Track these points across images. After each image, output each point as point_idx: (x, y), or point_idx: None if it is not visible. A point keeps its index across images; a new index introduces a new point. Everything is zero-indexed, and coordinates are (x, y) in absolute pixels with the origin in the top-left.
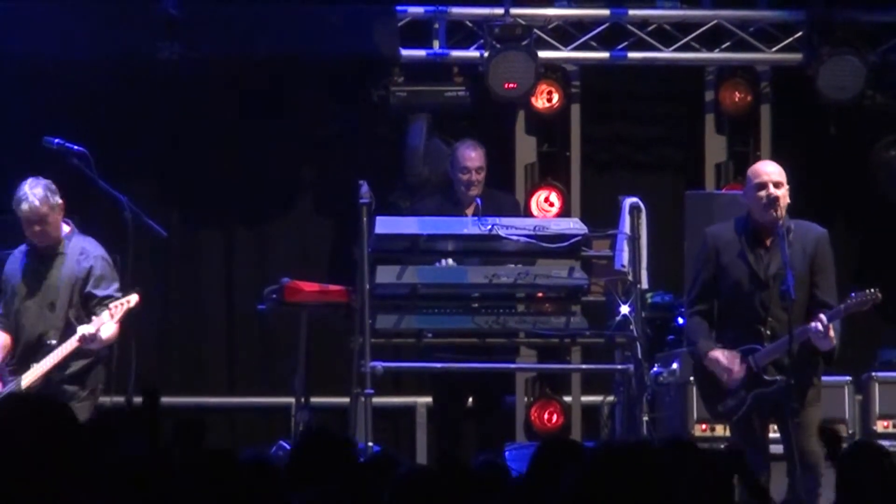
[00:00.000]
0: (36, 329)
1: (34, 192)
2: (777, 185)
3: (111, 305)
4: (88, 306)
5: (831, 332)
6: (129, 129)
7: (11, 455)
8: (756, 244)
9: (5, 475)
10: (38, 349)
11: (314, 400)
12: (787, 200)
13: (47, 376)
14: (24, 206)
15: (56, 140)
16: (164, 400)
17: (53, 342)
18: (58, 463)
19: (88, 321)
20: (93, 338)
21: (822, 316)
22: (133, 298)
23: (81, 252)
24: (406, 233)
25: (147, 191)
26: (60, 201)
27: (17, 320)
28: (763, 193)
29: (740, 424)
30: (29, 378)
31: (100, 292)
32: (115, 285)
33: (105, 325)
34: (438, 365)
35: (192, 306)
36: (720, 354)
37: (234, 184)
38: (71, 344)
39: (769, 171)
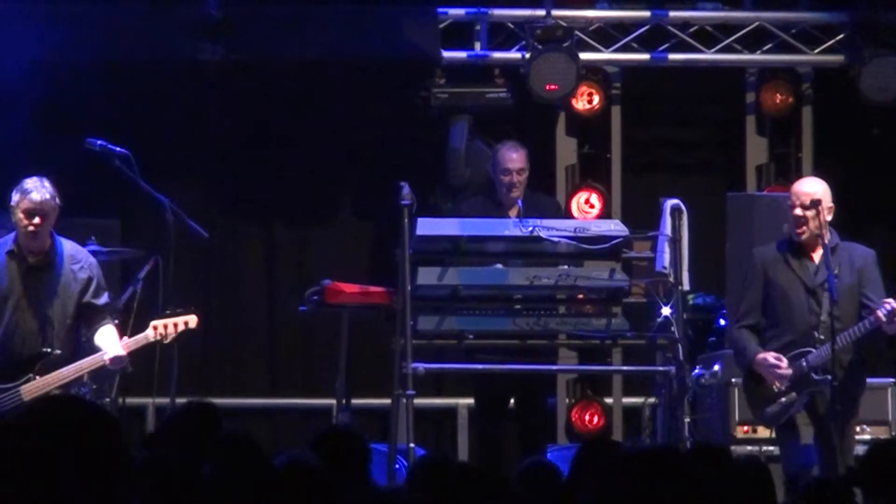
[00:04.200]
0: (33, 341)
1: (45, 185)
2: (807, 206)
3: (159, 324)
4: (85, 316)
5: None
6: (171, 130)
7: (52, 456)
8: (801, 255)
9: (44, 476)
10: (36, 361)
11: (355, 401)
12: (828, 217)
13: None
14: (35, 196)
15: (99, 142)
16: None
17: (58, 352)
18: (97, 463)
19: (88, 330)
20: (122, 360)
21: (890, 301)
22: (192, 320)
23: (74, 261)
24: (447, 234)
25: (189, 192)
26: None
27: (8, 329)
28: (794, 213)
29: (785, 426)
30: (32, 390)
31: (100, 302)
32: (108, 293)
33: (129, 342)
34: (480, 366)
35: (234, 308)
36: (768, 355)
37: (275, 185)
38: (95, 361)
39: (805, 190)
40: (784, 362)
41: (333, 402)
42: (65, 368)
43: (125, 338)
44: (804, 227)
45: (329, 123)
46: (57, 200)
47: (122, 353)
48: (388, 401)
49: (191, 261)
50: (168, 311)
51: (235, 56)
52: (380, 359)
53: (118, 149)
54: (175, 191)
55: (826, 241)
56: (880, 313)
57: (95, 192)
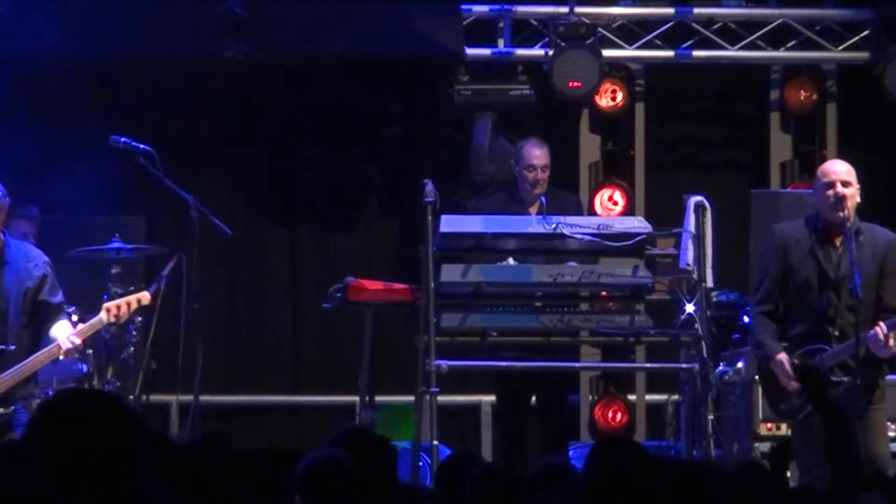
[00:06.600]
0: None
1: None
2: (845, 184)
3: (111, 305)
4: (40, 314)
5: (891, 342)
6: (195, 127)
7: (73, 448)
8: (826, 243)
9: (66, 468)
10: None
11: (378, 399)
12: (857, 200)
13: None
14: None
15: (123, 139)
16: (230, 399)
17: (12, 348)
18: (117, 454)
19: (42, 328)
20: (78, 348)
21: (882, 324)
22: (144, 297)
23: (28, 259)
24: (471, 231)
25: (213, 190)
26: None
27: None
28: (831, 192)
29: (801, 424)
30: None
31: (54, 300)
32: (62, 292)
33: (84, 328)
34: (503, 364)
35: (258, 305)
36: (787, 360)
37: (299, 182)
38: (49, 353)
39: (838, 170)
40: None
41: (357, 399)
42: (21, 364)
43: (79, 324)
44: (846, 205)
45: (353, 121)
46: (7, 199)
47: (77, 340)
48: (411, 398)
49: (215, 258)
50: (119, 292)
51: (259, 54)
52: (403, 356)
53: (142, 146)
54: (199, 188)
55: (851, 228)
56: (870, 336)
57: (120, 189)
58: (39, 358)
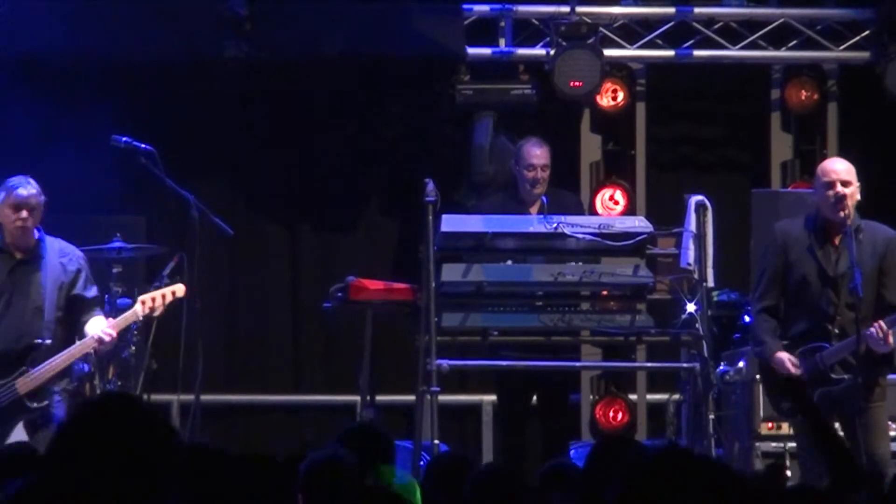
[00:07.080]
0: (23, 333)
1: (30, 182)
2: (845, 183)
3: (146, 298)
4: (75, 308)
5: (890, 338)
6: (196, 127)
7: (107, 453)
8: (825, 241)
9: (100, 473)
10: (28, 353)
11: (379, 398)
12: (857, 199)
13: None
14: (21, 191)
15: (124, 138)
16: (230, 398)
17: (49, 342)
18: (149, 460)
19: (78, 322)
20: (111, 339)
21: (881, 321)
22: (179, 289)
23: (62, 254)
24: (472, 231)
25: (214, 189)
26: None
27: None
28: (831, 192)
29: (802, 424)
30: (27, 383)
31: (89, 294)
32: (96, 287)
33: (118, 321)
34: (504, 363)
35: (258, 304)
36: (786, 358)
37: (300, 182)
38: (84, 346)
39: (837, 168)
40: (800, 370)
41: (357, 398)
42: (56, 357)
43: (109, 319)
44: (846, 204)
45: (354, 120)
46: (42, 196)
47: (112, 332)
48: (412, 397)
49: (215, 258)
50: (155, 284)
51: (260, 53)
52: (404, 355)
53: (143, 146)
54: (200, 188)
55: (851, 227)
56: (869, 333)
57: (121, 189)
58: (74, 351)
